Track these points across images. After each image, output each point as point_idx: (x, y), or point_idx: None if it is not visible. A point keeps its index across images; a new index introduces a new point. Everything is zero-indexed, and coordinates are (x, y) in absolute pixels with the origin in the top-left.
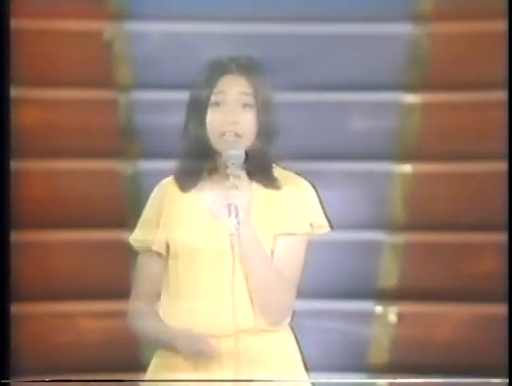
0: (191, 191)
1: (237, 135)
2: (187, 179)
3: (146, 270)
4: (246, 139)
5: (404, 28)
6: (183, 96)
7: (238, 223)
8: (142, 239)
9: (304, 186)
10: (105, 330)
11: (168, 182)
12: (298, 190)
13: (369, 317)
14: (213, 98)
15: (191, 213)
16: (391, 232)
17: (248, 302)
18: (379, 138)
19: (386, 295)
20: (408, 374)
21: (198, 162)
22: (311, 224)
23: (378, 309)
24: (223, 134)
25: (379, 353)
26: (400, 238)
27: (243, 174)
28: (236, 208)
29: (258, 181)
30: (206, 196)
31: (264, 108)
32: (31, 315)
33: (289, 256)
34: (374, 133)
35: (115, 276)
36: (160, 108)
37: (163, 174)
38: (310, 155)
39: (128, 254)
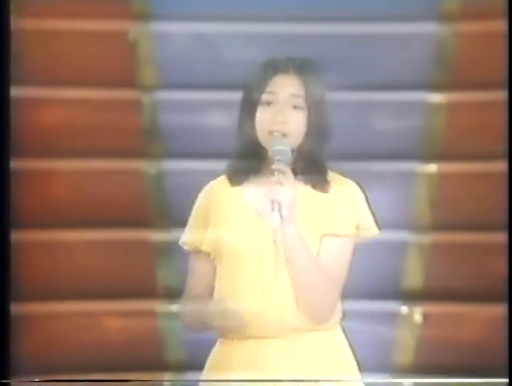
0: (238, 188)
1: (285, 135)
2: (237, 176)
3: (197, 271)
4: (294, 139)
5: (430, 27)
6: (208, 96)
7: (281, 218)
8: (191, 240)
9: (352, 187)
10: (130, 330)
11: (216, 183)
12: (345, 192)
13: (394, 317)
14: (264, 97)
15: (237, 211)
16: (417, 232)
17: (292, 301)
18: (405, 138)
19: (411, 295)
20: (433, 374)
21: (248, 160)
22: (357, 226)
23: (404, 309)
24: (271, 133)
25: (404, 353)
26: (426, 238)
27: (288, 171)
28: (279, 204)
29: (306, 182)
30: (252, 194)
31: (315, 110)
32: (55, 314)
33: (334, 257)
34: (400, 133)
35: (139, 275)
36: (184, 109)
37: (186, 174)
38: (336, 155)
39: (152, 253)
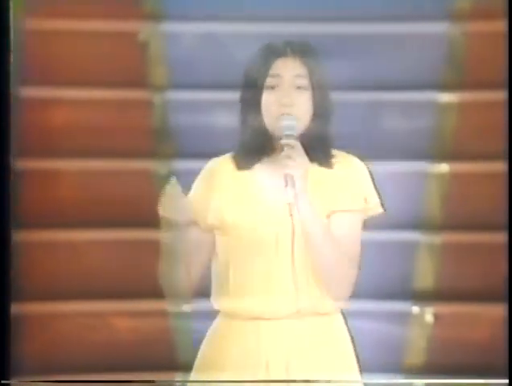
0: (246, 171)
1: (291, 116)
2: (245, 160)
3: (194, 245)
4: (302, 121)
5: (440, 27)
6: (218, 96)
7: (296, 192)
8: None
9: (356, 163)
10: (140, 330)
11: (222, 160)
12: (350, 168)
13: (405, 317)
14: (268, 81)
15: (245, 191)
16: (427, 232)
17: (306, 283)
18: (415, 138)
19: (422, 295)
20: (445, 374)
21: (256, 146)
22: (365, 199)
23: (415, 309)
24: (278, 117)
25: (415, 353)
26: (436, 238)
27: (298, 145)
28: (292, 178)
29: (313, 159)
30: (261, 175)
31: (319, 90)
32: (63, 315)
33: (347, 232)
34: (410, 133)
35: (149, 275)
36: (195, 109)
37: (196, 174)
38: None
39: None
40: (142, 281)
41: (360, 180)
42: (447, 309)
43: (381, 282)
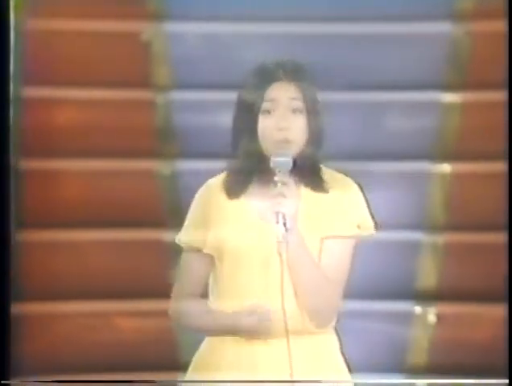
0: (239, 198)
1: (288, 141)
2: (237, 186)
3: (192, 269)
4: (297, 145)
5: (443, 27)
6: (221, 96)
7: (286, 230)
8: (189, 239)
9: (351, 187)
10: (143, 330)
11: (215, 185)
12: (345, 192)
13: (408, 317)
14: (264, 106)
15: (240, 216)
16: (430, 232)
17: (296, 305)
18: (418, 138)
19: (425, 296)
20: (447, 374)
21: (249, 167)
22: (358, 226)
23: (418, 309)
24: (275, 141)
25: (418, 353)
26: (439, 238)
27: (290, 182)
28: (284, 216)
29: (306, 184)
30: (255, 200)
31: (313, 113)
32: (66, 315)
33: (336, 260)
34: (413, 133)
35: (152, 275)
36: (198, 109)
37: (200, 174)
38: (349, 155)
39: (166, 253)
40: (144, 281)
41: (354, 205)
42: (449, 309)
43: (383, 282)
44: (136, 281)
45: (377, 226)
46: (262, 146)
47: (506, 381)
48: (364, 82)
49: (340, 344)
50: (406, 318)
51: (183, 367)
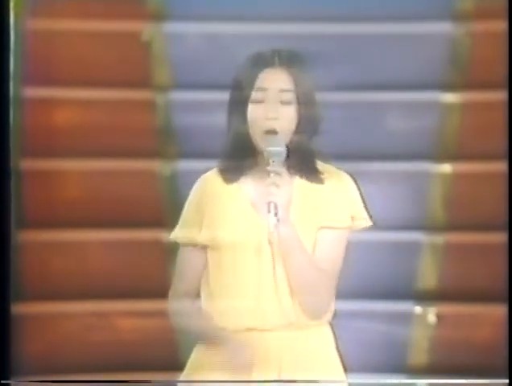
0: (233, 184)
1: (276, 132)
2: (231, 173)
3: (189, 265)
4: (285, 135)
5: (444, 27)
6: (221, 96)
7: (278, 220)
8: (185, 234)
9: (345, 179)
10: (143, 330)
11: (210, 176)
12: (339, 184)
13: (408, 317)
14: (254, 94)
15: (233, 206)
16: (430, 232)
17: (289, 297)
18: (419, 138)
19: (425, 296)
20: (447, 374)
21: (241, 156)
22: (352, 217)
23: (418, 309)
24: (264, 130)
25: (418, 354)
26: (439, 238)
27: (284, 172)
28: (275, 206)
29: (301, 175)
30: (248, 190)
31: (305, 103)
32: (66, 314)
33: (330, 251)
34: (414, 133)
35: (153, 275)
36: (198, 109)
37: (200, 174)
38: (349, 155)
39: (166, 254)
40: (144, 281)
41: (348, 197)
42: (450, 309)
43: (383, 282)
44: (136, 281)
45: (371, 219)
46: (252, 135)
47: (506, 381)
48: (364, 82)
49: (336, 340)
50: (406, 318)
51: (182, 367)
